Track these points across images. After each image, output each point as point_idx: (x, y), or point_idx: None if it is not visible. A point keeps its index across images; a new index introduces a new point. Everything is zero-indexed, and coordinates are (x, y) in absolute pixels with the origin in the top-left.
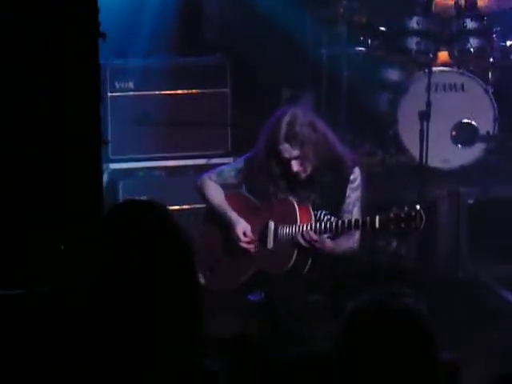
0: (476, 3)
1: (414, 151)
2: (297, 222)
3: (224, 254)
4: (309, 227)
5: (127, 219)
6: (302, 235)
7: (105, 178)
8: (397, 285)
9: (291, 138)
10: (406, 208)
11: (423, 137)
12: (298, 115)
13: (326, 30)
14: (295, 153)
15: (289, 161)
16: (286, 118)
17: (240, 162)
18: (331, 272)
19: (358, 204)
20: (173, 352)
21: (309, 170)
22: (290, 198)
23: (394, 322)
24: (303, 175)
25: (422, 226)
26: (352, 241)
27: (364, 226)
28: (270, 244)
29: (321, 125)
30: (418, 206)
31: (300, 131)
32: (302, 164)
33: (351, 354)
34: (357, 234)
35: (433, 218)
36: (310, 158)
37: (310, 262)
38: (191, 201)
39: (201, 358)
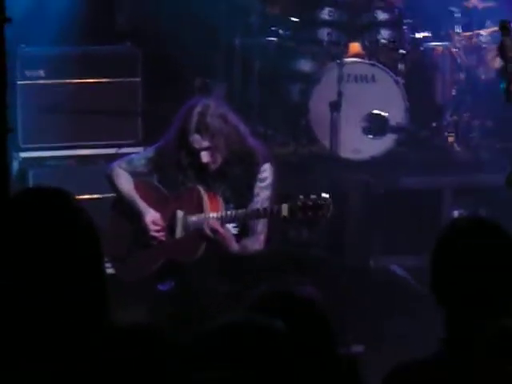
0: None
1: (326, 142)
2: (205, 211)
3: (134, 243)
4: (215, 216)
5: (31, 207)
6: (207, 226)
7: (15, 166)
8: (302, 275)
9: (202, 128)
10: (313, 196)
11: (334, 127)
12: (210, 106)
13: (239, 19)
14: (205, 144)
15: (198, 151)
16: (198, 109)
17: (150, 151)
18: (241, 262)
19: (266, 204)
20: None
21: (218, 161)
22: (199, 187)
23: (294, 310)
24: (213, 166)
25: (329, 215)
26: (258, 243)
27: (271, 214)
28: (179, 233)
29: (232, 117)
30: (324, 195)
31: (211, 122)
32: (211, 155)
33: None
34: (262, 237)
35: (343, 209)
36: (221, 150)
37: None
38: (102, 190)
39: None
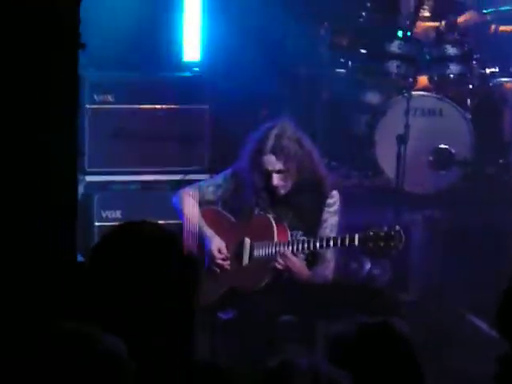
0: (456, 25)
1: (391, 174)
2: (273, 240)
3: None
4: (286, 246)
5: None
6: (278, 254)
7: (80, 189)
8: (370, 309)
9: (277, 150)
10: (385, 227)
11: (400, 160)
12: (287, 128)
13: (306, 49)
14: (278, 166)
15: (270, 173)
16: (275, 131)
17: (219, 178)
18: (305, 293)
19: (335, 230)
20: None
21: (289, 186)
22: (268, 215)
23: (380, 345)
24: (282, 191)
25: (401, 246)
26: (328, 271)
27: (343, 243)
28: (245, 261)
29: (307, 142)
30: (397, 226)
31: (287, 145)
32: (283, 179)
33: None
34: (332, 264)
35: (406, 243)
36: (293, 174)
37: (284, 281)
38: (166, 216)
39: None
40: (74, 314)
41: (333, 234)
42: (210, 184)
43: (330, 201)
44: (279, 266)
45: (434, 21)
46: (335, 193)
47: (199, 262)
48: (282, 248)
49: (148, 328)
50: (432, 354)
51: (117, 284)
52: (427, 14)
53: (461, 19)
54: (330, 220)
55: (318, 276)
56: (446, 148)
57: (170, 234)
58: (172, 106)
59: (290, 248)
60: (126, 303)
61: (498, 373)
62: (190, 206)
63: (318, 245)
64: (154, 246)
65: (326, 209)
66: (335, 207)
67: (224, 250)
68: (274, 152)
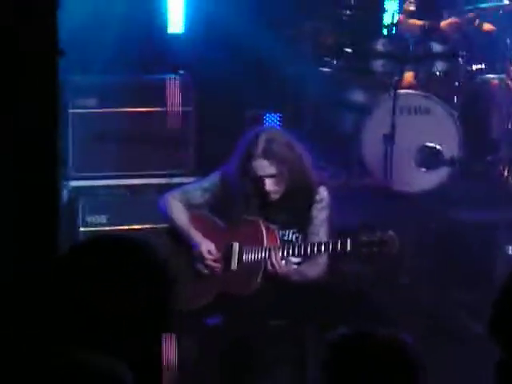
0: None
1: (378, 174)
2: (263, 245)
3: (186, 275)
4: (276, 250)
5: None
6: (269, 258)
7: (64, 195)
8: (360, 312)
9: (269, 154)
10: (378, 232)
11: (387, 160)
12: (276, 133)
13: (291, 49)
14: (271, 171)
15: (262, 179)
16: (265, 135)
17: (206, 182)
18: (295, 297)
19: (325, 225)
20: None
21: (281, 190)
22: (257, 219)
23: (381, 352)
24: (275, 196)
25: (394, 251)
26: (318, 268)
27: (335, 249)
28: (234, 266)
29: (298, 146)
30: (390, 231)
31: (278, 149)
32: (275, 183)
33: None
34: (323, 263)
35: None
36: (285, 178)
37: (274, 285)
38: (153, 220)
39: None
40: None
41: (323, 230)
42: (197, 188)
43: (318, 197)
44: (269, 271)
45: (419, 17)
46: (323, 189)
47: (169, 272)
48: (271, 253)
49: (116, 343)
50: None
51: (79, 299)
52: (412, 8)
53: (445, 23)
54: (320, 216)
55: (308, 276)
56: (433, 146)
57: (135, 244)
58: (156, 109)
59: (280, 253)
60: (92, 317)
61: (497, 380)
62: (177, 209)
63: (309, 250)
64: (116, 257)
65: (316, 205)
66: (324, 203)
67: (214, 252)
68: (265, 156)
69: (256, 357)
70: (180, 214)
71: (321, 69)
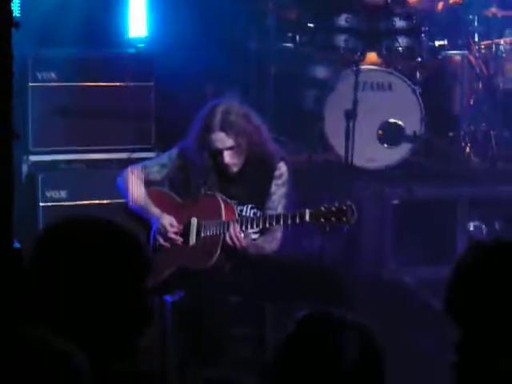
0: (404, 1)
1: (340, 150)
2: (221, 219)
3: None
4: (234, 224)
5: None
6: (227, 231)
7: (24, 169)
8: (313, 286)
9: (226, 126)
10: (336, 203)
11: (349, 136)
12: (234, 105)
13: (254, 24)
14: (229, 143)
15: (221, 151)
16: (221, 107)
17: (164, 157)
18: (253, 273)
19: (282, 201)
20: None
21: (240, 163)
22: (215, 194)
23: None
24: (234, 169)
25: (353, 221)
26: (275, 242)
27: (293, 220)
28: (193, 240)
29: (255, 118)
30: (348, 201)
31: (235, 121)
32: (234, 156)
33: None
34: (279, 236)
35: (357, 218)
36: (243, 150)
37: (232, 261)
38: (113, 195)
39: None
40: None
41: (280, 206)
42: (155, 163)
43: (277, 173)
44: (227, 244)
45: None
46: (282, 164)
47: (147, 250)
48: (229, 226)
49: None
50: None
51: (60, 281)
52: None
53: None
54: (278, 192)
55: (265, 249)
56: (395, 122)
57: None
58: (117, 84)
59: (238, 226)
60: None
61: (456, 360)
62: (135, 185)
63: (267, 222)
64: (98, 239)
65: (274, 181)
66: (283, 179)
67: (175, 224)
68: (223, 129)
69: (215, 333)
70: (138, 190)
71: (283, 44)
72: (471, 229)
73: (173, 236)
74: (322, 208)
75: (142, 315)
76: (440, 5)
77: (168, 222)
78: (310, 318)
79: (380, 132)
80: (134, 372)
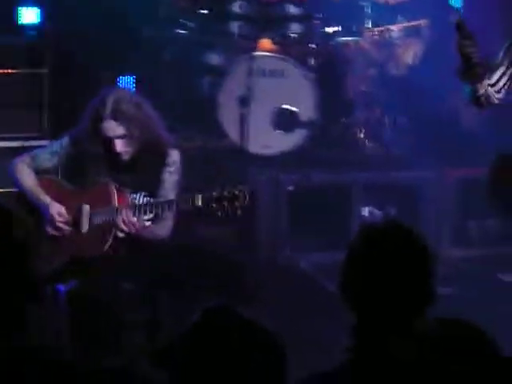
0: None
1: (235, 136)
2: (113, 206)
3: (38, 238)
4: (126, 210)
5: None
6: (120, 217)
7: None
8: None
9: (118, 114)
10: (228, 187)
11: (243, 122)
12: (125, 94)
13: (147, 11)
14: (120, 131)
15: (112, 140)
16: (113, 96)
17: (56, 145)
18: (148, 259)
19: (174, 189)
20: None
21: (132, 151)
22: (107, 181)
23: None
24: (126, 157)
25: (245, 204)
26: (166, 228)
27: (186, 204)
28: (85, 228)
29: (147, 106)
30: (240, 186)
31: (127, 109)
32: (126, 144)
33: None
34: (170, 223)
35: (253, 205)
36: (135, 138)
37: (126, 247)
38: (5, 183)
39: None
40: None
41: (173, 193)
42: (46, 152)
43: (169, 160)
44: (120, 231)
45: None
46: (175, 152)
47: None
48: (122, 213)
49: None
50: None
51: None
52: None
53: None
54: (170, 179)
55: (157, 234)
56: (289, 109)
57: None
58: (8, 71)
59: (131, 213)
60: None
61: (351, 346)
62: (25, 174)
63: (160, 208)
64: None
65: (167, 168)
66: (175, 166)
67: (64, 213)
68: (114, 117)
69: (110, 321)
70: (28, 178)
71: (177, 31)
72: (366, 214)
73: (61, 225)
74: (214, 193)
75: (23, 289)
76: None
77: (56, 210)
78: (215, 310)
79: (274, 118)
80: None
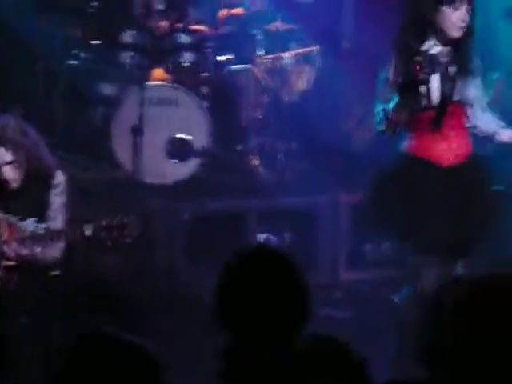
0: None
1: (129, 166)
2: (2, 237)
3: None
4: (15, 241)
5: None
6: (8, 250)
7: None
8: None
9: (4, 142)
10: (118, 216)
11: (136, 152)
12: (11, 121)
13: (41, 43)
14: (8, 158)
15: (1, 166)
16: None
17: None
18: (37, 290)
19: (62, 210)
20: None
21: (20, 178)
22: None
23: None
24: (13, 184)
25: (135, 234)
26: (58, 248)
27: (74, 233)
28: None
29: (33, 133)
30: (131, 215)
31: (13, 136)
32: (13, 170)
33: None
34: (61, 243)
35: (148, 234)
36: (22, 165)
37: (16, 279)
38: None
39: None
40: None
41: (61, 215)
42: None
43: (54, 182)
44: (10, 263)
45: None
46: (59, 173)
47: None
48: (11, 245)
49: None
50: None
51: None
52: (161, 7)
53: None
54: (57, 201)
55: (48, 255)
56: (183, 137)
57: None
58: None
59: (21, 244)
60: None
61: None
62: None
63: (49, 238)
64: None
65: (53, 191)
66: (61, 187)
67: None
68: (1, 144)
69: (7, 355)
70: None
71: (69, 62)
72: (261, 240)
73: None
74: (103, 222)
75: None
76: (222, 20)
77: None
78: (89, 335)
79: (168, 147)
80: None
